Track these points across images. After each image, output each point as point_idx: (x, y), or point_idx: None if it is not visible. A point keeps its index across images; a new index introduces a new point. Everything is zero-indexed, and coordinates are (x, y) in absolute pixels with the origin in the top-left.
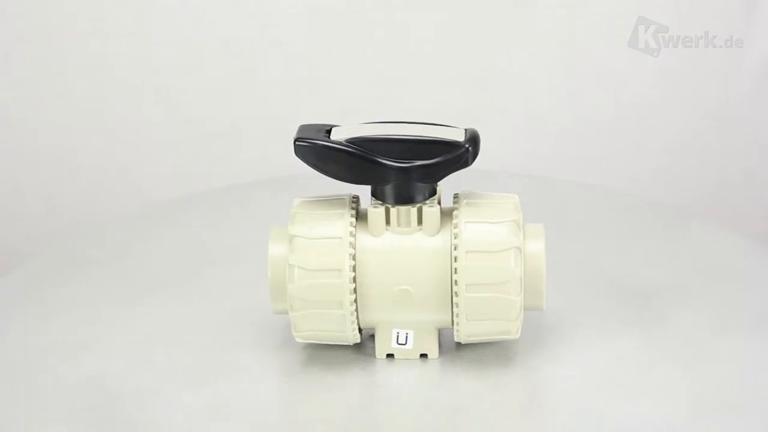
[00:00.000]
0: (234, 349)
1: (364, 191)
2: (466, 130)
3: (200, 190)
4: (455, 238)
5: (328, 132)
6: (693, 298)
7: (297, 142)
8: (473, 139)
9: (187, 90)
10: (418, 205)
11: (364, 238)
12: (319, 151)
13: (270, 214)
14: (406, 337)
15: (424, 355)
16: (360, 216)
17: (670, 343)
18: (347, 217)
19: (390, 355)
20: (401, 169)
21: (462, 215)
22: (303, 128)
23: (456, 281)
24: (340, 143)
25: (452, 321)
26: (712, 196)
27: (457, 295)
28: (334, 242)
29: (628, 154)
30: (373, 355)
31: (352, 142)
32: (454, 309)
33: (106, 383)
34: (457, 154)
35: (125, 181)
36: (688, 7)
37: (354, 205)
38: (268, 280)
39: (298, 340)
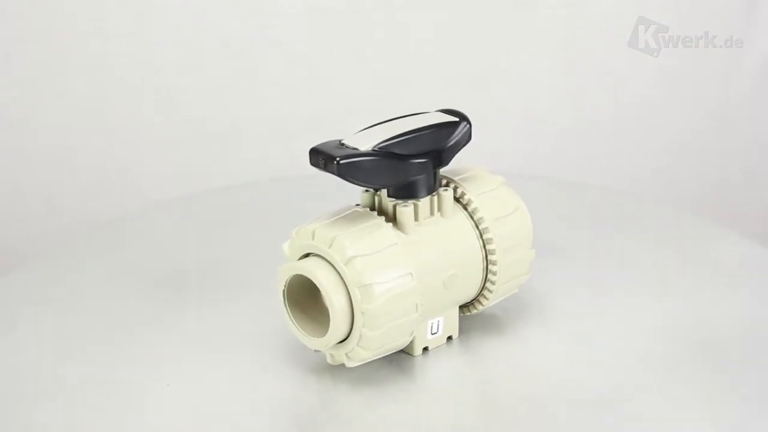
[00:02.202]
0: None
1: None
2: (443, 111)
3: (200, 190)
4: (475, 213)
5: (343, 145)
6: (693, 298)
7: (341, 161)
8: (464, 115)
9: (187, 90)
10: (435, 193)
11: (403, 238)
12: (364, 164)
13: (270, 214)
14: (438, 324)
15: (449, 338)
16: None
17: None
18: (383, 223)
19: (425, 349)
20: (435, 157)
21: (467, 191)
22: (323, 148)
23: (492, 250)
24: (381, 152)
25: (478, 293)
26: (712, 196)
27: (495, 264)
28: (394, 249)
29: (628, 154)
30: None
31: (382, 147)
32: (490, 277)
33: (105, 383)
34: (465, 130)
35: (125, 181)
36: (688, 7)
37: (373, 212)
38: (332, 327)
39: (353, 365)
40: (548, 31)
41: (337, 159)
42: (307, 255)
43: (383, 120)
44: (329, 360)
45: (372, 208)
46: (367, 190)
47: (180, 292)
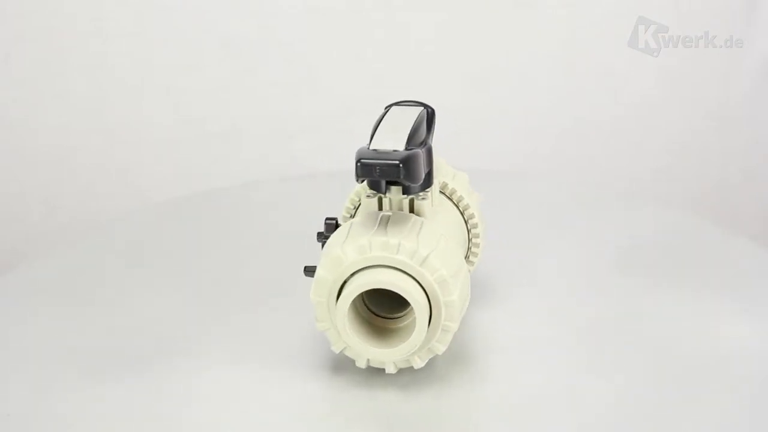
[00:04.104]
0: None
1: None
2: (396, 104)
3: (200, 190)
4: (453, 194)
5: (377, 152)
6: (693, 298)
7: (403, 164)
8: (421, 102)
9: (187, 90)
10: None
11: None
12: (417, 160)
13: (270, 214)
14: None
15: None
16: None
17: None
18: (418, 218)
19: None
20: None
21: (438, 176)
22: (370, 157)
23: (475, 224)
24: (420, 147)
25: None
26: (712, 196)
27: (477, 237)
28: (444, 240)
29: (628, 154)
30: None
31: (412, 142)
32: (473, 249)
33: (104, 383)
34: (432, 115)
35: (125, 181)
36: (688, 7)
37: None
38: (417, 329)
39: (423, 365)
40: (548, 31)
41: (400, 162)
42: (353, 273)
43: (380, 119)
44: (390, 369)
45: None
46: (369, 195)
47: (180, 292)
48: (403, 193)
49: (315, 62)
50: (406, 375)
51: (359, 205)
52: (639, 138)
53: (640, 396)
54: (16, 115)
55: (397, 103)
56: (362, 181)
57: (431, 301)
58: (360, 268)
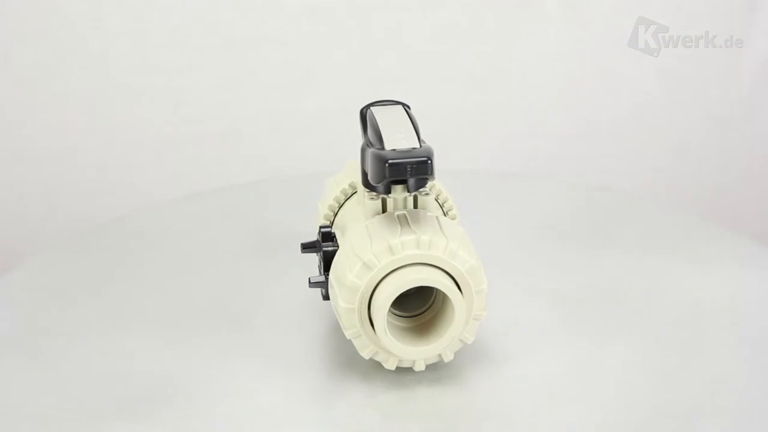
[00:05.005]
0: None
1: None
2: (374, 104)
3: (200, 190)
4: (432, 188)
5: (396, 151)
6: (692, 298)
7: (431, 160)
8: (396, 101)
9: (187, 90)
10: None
11: None
12: (432, 157)
13: (270, 214)
14: None
15: None
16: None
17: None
18: (429, 214)
19: None
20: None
21: None
22: (398, 157)
23: (454, 215)
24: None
25: None
26: (712, 196)
27: (455, 219)
28: (460, 230)
29: (628, 154)
30: None
31: (420, 138)
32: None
33: (105, 383)
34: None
35: (125, 181)
36: (688, 7)
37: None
38: (456, 320)
39: (452, 357)
40: (548, 31)
41: (429, 158)
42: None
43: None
44: (420, 367)
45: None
46: (372, 198)
47: (181, 292)
48: (408, 191)
49: (315, 62)
50: (409, 373)
51: (338, 210)
52: (639, 138)
53: (647, 360)
54: (16, 115)
55: (372, 104)
56: (387, 185)
57: (462, 292)
58: (391, 269)
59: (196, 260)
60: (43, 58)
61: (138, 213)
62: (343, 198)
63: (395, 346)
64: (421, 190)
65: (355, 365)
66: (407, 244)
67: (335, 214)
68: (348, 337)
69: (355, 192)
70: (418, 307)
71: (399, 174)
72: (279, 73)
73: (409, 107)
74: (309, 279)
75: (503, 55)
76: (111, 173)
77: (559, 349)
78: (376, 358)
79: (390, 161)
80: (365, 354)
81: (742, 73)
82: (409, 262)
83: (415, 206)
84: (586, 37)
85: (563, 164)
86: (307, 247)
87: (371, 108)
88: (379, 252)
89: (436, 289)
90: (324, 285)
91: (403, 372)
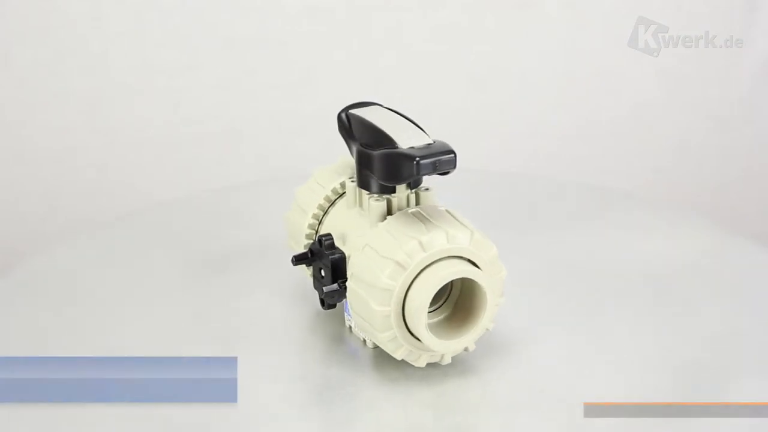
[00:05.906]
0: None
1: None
2: (354, 105)
3: (200, 190)
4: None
5: (415, 148)
6: (692, 298)
7: (454, 153)
8: (371, 102)
9: (187, 90)
10: None
11: None
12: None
13: (270, 214)
14: None
15: None
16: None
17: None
18: (440, 207)
19: None
20: None
21: None
22: (425, 153)
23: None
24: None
25: None
26: (712, 196)
27: None
28: (470, 222)
29: (628, 154)
30: None
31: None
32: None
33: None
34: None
35: (125, 181)
36: (688, 7)
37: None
38: (488, 307)
39: (474, 346)
40: (548, 32)
41: (454, 153)
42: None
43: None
44: (447, 360)
45: (389, 213)
46: (377, 199)
47: (182, 292)
48: (411, 189)
49: (315, 62)
50: (410, 370)
51: (322, 218)
52: (639, 138)
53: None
54: (16, 115)
55: (349, 108)
56: (392, 186)
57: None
58: (424, 266)
59: (196, 260)
60: (43, 58)
61: (138, 213)
62: (327, 204)
63: (434, 342)
64: (421, 186)
65: (359, 367)
66: (437, 239)
67: (320, 222)
68: (378, 343)
69: (340, 196)
70: (434, 302)
71: (427, 170)
72: (279, 73)
73: (384, 105)
74: (323, 289)
75: (503, 55)
76: (111, 173)
77: (567, 327)
78: (407, 359)
79: (417, 159)
80: (399, 355)
81: (742, 73)
82: (440, 257)
83: (418, 203)
84: (586, 37)
85: (563, 164)
86: (300, 259)
87: (351, 111)
88: (410, 250)
89: (454, 281)
90: (338, 294)
91: (403, 368)
